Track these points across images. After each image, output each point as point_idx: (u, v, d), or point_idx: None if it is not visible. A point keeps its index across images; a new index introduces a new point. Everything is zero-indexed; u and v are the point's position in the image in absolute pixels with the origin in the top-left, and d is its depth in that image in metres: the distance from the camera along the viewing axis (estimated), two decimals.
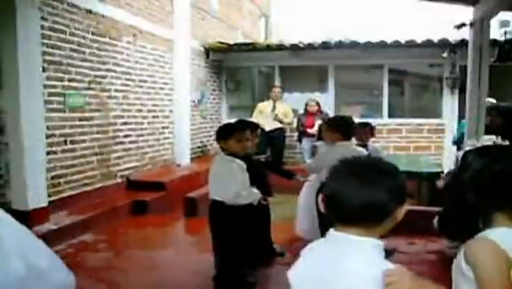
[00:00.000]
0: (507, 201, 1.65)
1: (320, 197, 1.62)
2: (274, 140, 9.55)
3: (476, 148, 1.92)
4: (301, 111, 9.94)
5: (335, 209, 1.54)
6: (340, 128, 4.70)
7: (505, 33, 8.19)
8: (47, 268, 1.86)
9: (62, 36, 6.25)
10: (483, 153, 1.79)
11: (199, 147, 10.39)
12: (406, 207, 1.52)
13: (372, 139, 6.00)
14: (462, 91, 9.92)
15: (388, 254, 1.60)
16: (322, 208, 1.60)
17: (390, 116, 10.62)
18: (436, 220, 5.05)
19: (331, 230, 1.57)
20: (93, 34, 6.85)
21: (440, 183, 5.57)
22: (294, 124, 9.96)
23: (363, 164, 1.59)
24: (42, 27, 5.84)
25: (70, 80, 6.41)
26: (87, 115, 6.77)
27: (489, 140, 3.26)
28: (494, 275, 1.52)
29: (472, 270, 1.57)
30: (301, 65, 10.87)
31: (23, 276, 1.71)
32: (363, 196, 1.45)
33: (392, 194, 1.48)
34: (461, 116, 9.95)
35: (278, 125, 9.66)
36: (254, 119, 8.59)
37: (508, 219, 1.66)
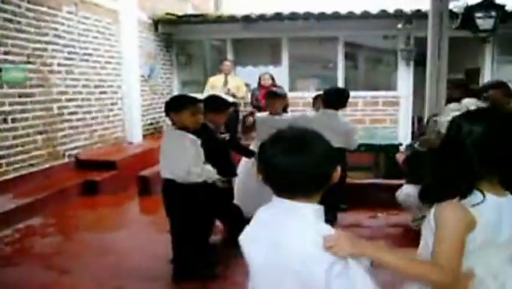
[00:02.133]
0: (503, 167, 1.73)
1: (254, 169, 1.72)
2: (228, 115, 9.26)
3: (465, 113, 1.91)
4: (254, 85, 9.70)
5: (272, 181, 1.59)
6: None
7: None
8: None
9: None
10: (477, 119, 1.78)
11: (151, 124, 10.00)
12: (339, 169, 1.59)
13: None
14: (417, 63, 9.95)
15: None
16: (259, 179, 1.63)
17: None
18: (398, 192, 4.93)
19: (274, 197, 1.62)
20: (29, 2, 6.35)
21: (400, 156, 5.48)
22: (248, 99, 9.71)
23: (295, 139, 1.59)
24: None
25: (6, 53, 5.94)
26: (27, 91, 6.32)
27: (472, 104, 3.12)
28: (450, 234, 1.67)
29: (436, 228, 1.71)
30: (253, 37, 10.61)
31: None
32: (303, 165, 1.51)
33: (328, 161, 1.56)
34: (416, 89, 10.00)
35: (231, 100, 9.37)
36: (206, 93, 8.30)
37: (490, 186, 1.74)
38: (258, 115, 5.59)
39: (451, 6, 7.34)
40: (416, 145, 5.05)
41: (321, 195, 1.61)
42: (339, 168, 1.59)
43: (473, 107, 2.16)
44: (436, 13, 6.25)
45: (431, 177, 1.87)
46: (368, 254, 1.62)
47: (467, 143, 1.72)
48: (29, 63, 6.34)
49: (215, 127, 4.48)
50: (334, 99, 5.42)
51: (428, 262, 1.76)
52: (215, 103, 4.45)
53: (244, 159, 5.33)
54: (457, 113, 1.94)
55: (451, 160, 1.77)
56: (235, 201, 4.98)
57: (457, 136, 1.77)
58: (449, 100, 6.68)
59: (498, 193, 1.75)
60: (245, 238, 1.74)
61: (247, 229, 1.75)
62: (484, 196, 1.70)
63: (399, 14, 9.55)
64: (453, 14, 7.42)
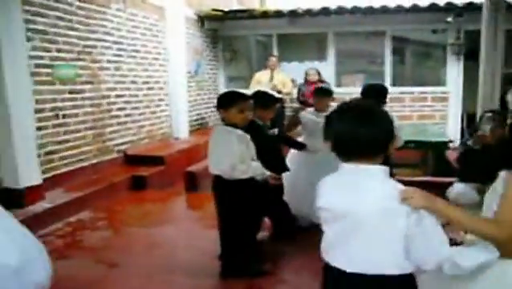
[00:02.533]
0: None
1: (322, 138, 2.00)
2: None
3: None
4: (300, 80, 9.63)
5: (342, 148, 1.86)
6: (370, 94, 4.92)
7: None
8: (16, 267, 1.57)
9: (46, 2, 5.86)
10: None
11: (197, 119, 10.07)
12: (396, 142, 1.97)
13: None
14: (467, 58, 9.66)
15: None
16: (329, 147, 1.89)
17: (393, 84, 10.28)
18: (449, 190, 4.79)
19: (343, 164, 1.88)
20: (80, 0, 6.46)
21: (451, 154, 5.32)
22: (294, 95, 9.64)
23: (365, 108, 1.90)
24: None
25: (58, 51, 6.06)
26: (78, 87, 6.44)
27: None
28: None
29: (502, 188, 1.92)
30: (299, 33, 10.53)
31: None
32: (370, 136, 1.78)
33: (387, 132, 1.83)
34: (466, 84, 9.72)
35: (277, 95, 9.32)
36: (252, 89, 8.27)
37: None
38: (303, 113, 5.50)
39: None
40: (469, 143, 4.91)
41: (381, 160, 1.85)
42: (394, 142, 1.88)
43: None
44: (491, 5, 6.02)
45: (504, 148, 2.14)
46: (439, 208, 1.78)
47: None
48: (79, 60, 6.46)
49: (263, 123, 4.47)
50: (373, 96, 5.25)
51: (491, 219, 1.95)
52: (263, 99, 4.41)
53: (291, 155, 5.30)
54: None
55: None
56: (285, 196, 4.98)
57: None
58: (502, 97, 6.46)
59: None
60: (320, 205, 1.96)
61: (319, 196, 1.97)
62: None
63: (449, 7, 9.28)
64: (509, 6, 7.14)
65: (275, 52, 10.54)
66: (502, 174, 1.95)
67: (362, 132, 1.77)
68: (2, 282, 1.50)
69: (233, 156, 3.71)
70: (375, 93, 5.18)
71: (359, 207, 1.79)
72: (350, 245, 1.85)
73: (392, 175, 1.94)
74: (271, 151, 4.35)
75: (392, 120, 1.90)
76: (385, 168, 1.85)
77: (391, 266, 1.80)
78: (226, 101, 3.86)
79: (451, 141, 6.88)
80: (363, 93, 5.30)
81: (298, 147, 5.17)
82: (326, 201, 1.94)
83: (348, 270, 1.85)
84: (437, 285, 2.15)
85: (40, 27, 5.76)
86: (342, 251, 1.88)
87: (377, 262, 1.80)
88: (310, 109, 5.48)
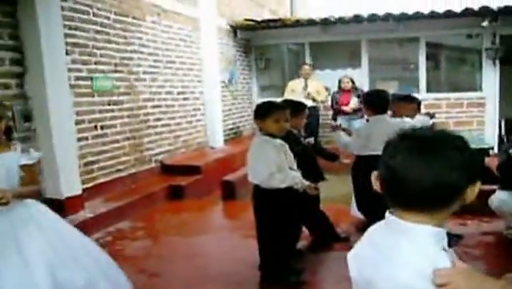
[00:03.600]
0: None
1: (373, 175, 1.38)
2: (308, 118, 9.22)
3: None
4: (333, 88, 9.61)
5: (394, 191, 1.32)
6: (371, 102, 4.73)
7: None
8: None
9: (85, 17, 6.01)
10: None
11: (232, 128, 10.13)
12: (479, 186, 1.28)
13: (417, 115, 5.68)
14: (503, 62, 9.49)
15: (455, 239, 1.46)
16: (377, 188, 1.37)
17: (428, 90, 10.18)
18: (492, 199, 4.69)
19: (388, 214, 1.37)
20: (116, 14, 6.59)
21: (492, 161, 5.20)
22: (328, 102, 9.63)
23: (427, 138, 1.31)
24: (63, 8, 5.58)
25: (96, 63, 6.20)
26: (115, 98, 6.55)
27: None
28: None
29: None
30: (332, 41, 10.51)
31: None
32: (429, 176, 1.22)
33: (463, 172, 1.23)
34: (503, 89, 9.54)
35: (312, 104, 9.33)
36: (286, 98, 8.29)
37: None
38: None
39: None
40: (510, 151, 4.81)
41: (449, 216, 1.32)
42: (478, 185, 1.29)
43: None
44: None
45: None
46: None
47: None
48: (116, 71, 6.58)
49: (297, 131, 4.49)
50: (372, 104, 4.80)
51: None
52: (291, 107, 4.40)
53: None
54: None
55: None
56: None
57: None
58: None
59: None
60: (352, 256, 1.52)
61: (357, 245, 1.52)
62: None
63: (484, 12, 9.14)
64: None
65: (308, 60, 10.55)
66: None
67: (418, 171, 1.24)
68: None
69: (271, 165, 3.73)
70: (373, 101, 4.84)
71: (379, 277, 1.35)
72: None
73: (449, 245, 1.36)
74: (308, 160, 4.36)
75: (474, 152, 1.33)
76: (438, 232, 1.30)
77: None
78: (262, 112, 3.89)
79: (492, 148, 6.75)
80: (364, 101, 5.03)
81: (332, 158, 5.15)
82: (350, 256, 1.53)
83: None
84: None
85: (79, 41, 5.89)
86: None
87: None
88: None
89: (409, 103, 5.50)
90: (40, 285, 2.82)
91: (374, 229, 1.47)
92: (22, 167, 3.07)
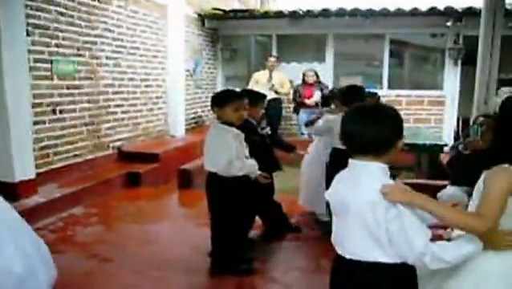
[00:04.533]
0: None
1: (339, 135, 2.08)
2: (271, 110, 9.28)
3: None
4: (298, 81, 9.66)
5: (351, 144, 2.03)
6: (347, 95, 4.73)
7: None
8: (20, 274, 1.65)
9: None
10: None
11: (194, 118, 10.10)
12: (403, 140, 2.00)
13: None
14: (464, 63, 9.70)
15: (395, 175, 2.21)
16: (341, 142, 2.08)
17: (390, 87, 10.34)
18: (441, 193, 4.83)
19: (350, 160, 2.06)
20: None
21: (444, 157, 5.36)
22: (291, 95, 9.68)
23: (370, 109, 2.13)
24: None
25: (57, 46, 6.08)
26: (76, 83, 6.46)
27: None
28: (494, 191, 1.96)
29: (484, 187, 2.02)
30: (299, 34, 10.59)
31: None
32: (372, 133, 1.93)
33: (393, 130, 1.96)
34: (463, 89, 9.75)
35: (275, 96, 9.39)
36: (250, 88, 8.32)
37: None
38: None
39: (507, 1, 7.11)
40: (460, 147, 4.95)
41: (390, 158, 2.00)
42: (403, 139, 1.99)
43: None
44: (489, 10, 6.06)
45: (492, 146, 2.36)
46: (416, 203, 1.89)
47: None
48: (79, 55, 6.48)
49: (255, 122, 4.52)
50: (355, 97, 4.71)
51: (471, 212, 2.07)
52: (250, 97, 4.42)
53: (309, 152, 5.37)
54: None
55: (504, 132, 2.18)
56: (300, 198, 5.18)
57: (508, 111, 2.23)
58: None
59: None
60: (329, 193, 2.16)
61: (333, 183, 2.16)
62: None
63: (449, 12, 9.34)
64: (507, 12, 7.14)
65: (274, 52, 10.58)
66: (485, 172, 2.08)
67: (365, 130, 1.94)
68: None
69: (230, 152, 3.76)
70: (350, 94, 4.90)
71: (353, 200, 1.97)
72: (348, 234, 2.03)
73: (392, 176, 2.03)
74: (264, 150, 4.40)
75: (401, 118, 2.02)
76: (383, 167, 1.99)
77: (382, 255, 1.94)
78: (221, 100, 3.91)
79: (445, 145, 6.91)
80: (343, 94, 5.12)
81: (288, 149, 5.19)
82: (328, 193, 2.16)
83: (347, 257, 2.04)
84: (431, 280, 2.21)
85: (41, 22, 5.78)
86: (342, 239, 2.07)
87: (370, 250, 1.95)
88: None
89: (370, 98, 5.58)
90: None
91: (342, 173, 2.14)
92: None
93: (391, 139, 1.95)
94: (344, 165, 2.12)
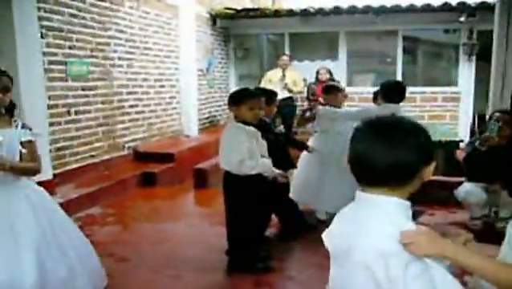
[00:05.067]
0: None
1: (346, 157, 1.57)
2: (284, 109, 9.29)
3: None
4: (311, 79, 9.63)
5: (360, 171, 1.52)
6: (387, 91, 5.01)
7: None
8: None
9: (60, 0, 5.93)
10: None
11: (208, 117, 10.13)
12: (433, 165, 1.49)
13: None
14: (479, 58, 9.61)
15: (417, 215, 1.48)
16: (348, 169, 1.56)
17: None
18: (458, 190, 4.80)
19: (358, 191, 1.56)
20: None
21: (460, 153, 5.32)
22: (305, 93, 9.67)
23: (387, 124, 1.54)
24: None
25: (71, 48, 6.14)
26: (90, 84, 6.51)
27: None
28: None
29: None
30: (311, 32, 10.55)
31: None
32: (389, 157, 1.42)
33: (418, 153, 1.45)
34: (478, 85, 9.66)
35: (288, 94, 9.39)
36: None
37: None
38: (320, 107, 5.51)
39: None
40: (476, 144, 4.92)
41: (411, 190, 1.51)
42: (433, 164, 1.49)
43: None
44: (504, 4, 6.00)
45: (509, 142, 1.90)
46: (448, 256, 1.48)
47: None
48: (92, 57, 6.53)
49: (269, 119, 4.54)
50: (394, 92, 5.11)
51: None
52: (263, 95, 4.41)
53: (303, 154, 5.36)
54: None
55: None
56: (293, 192, 5.07)
57: None
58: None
59: None
60: (328, 233, 1.70)
61: (331, 224, 1.69)
62: None
63: (462, 7, 9.26)
64: None
65: (287, 51, 10.57)
66: None
67: (377, 154, 1.44)
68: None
69: (242, 151, 3.77)
70: (396, 89, 5.10)
71: (357, 246, 1.48)
72: (349, 288, 1.56)
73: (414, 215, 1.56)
74: (279, 148, 4.40)
75: (430, 136, 1.53)
76: (402, 203, 1.50)
77: None
78: (237, 98, 3.93)
79: (461, 141, 6.86)
80: (383, 90, 5.17)
81: (301, 147, 5.21)
82: (326, 233, 1.70)
83: None
84: None
85: (54, 24, 5.83)
86: None
87: None
88: (327, 107, 5.43)
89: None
90: (27, 273, 2.84)
91: (346, 208, 1.65)
92: (23, 144, 3.05)
93: (414, 165, 1.45)
94: None
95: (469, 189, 4.85)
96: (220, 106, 10.40)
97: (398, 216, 1.47)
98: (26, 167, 3.07)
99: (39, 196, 3.18)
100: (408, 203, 1.51)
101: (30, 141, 3.10)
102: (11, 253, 2.86)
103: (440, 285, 1.41)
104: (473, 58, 9.80)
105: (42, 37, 5.57)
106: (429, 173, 1.49)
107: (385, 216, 1.46)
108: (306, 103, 9.70)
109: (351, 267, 1.51)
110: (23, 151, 3.05)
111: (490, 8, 7.01)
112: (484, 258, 1.51)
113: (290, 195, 5.09)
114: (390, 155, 1.42)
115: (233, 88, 10.20)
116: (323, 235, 1.70)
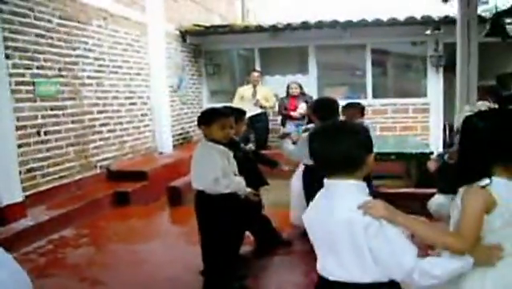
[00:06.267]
0: (508, 155, 1.98)
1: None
2: (257, 124, 9.35)
3: (476, 112, 2.25)
4: (283, 94, 9.69)
5: (321, 164, 2.02)
6: (318, 109, 4.70)
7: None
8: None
9: (26, 20, 5.86)
10: (485, 117, 2.09)
11: (181, 134, 10.08)
12: (373, 155, 1.98)
13: (361, 119, 5.83)
14: (447, 69, 9.80)
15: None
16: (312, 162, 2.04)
17: (374, 96, 10.44)
18: (431, 202, 4.83)
19: (325, 179, 2.01)
20: (60, 17, 6.47)
21: (431, 165, 5.38)
22: (277, 108, 9.71)
23: (335, 128, 2.08)
24: (2, 11, 5.47)
25: (38, 68, 6.06)
26: (59, 104, 6.42)
27: (482, 105, 3.96)
28: (471, 211, 1.92)
29: (461, 207, 1.97)
30: (281, 47, 10.64)
31: None
32: (336, 153, 1.91)
33: (358, 147, 1.93)
34: (447, 95, 9.84)
35: (260, 110, 9.44)
36: (236, 104, 8.31)
37: (504, 171, 2.00)
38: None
39: (480, 9, 7.20)
40: (445, 157, 4.98)
41: (363, 174, 1.97)
42: (372, 155, 1.97)
43: (483, 108, 2.81)
44: (463, 19, 6.15)
45: (458, 166, 2.22)
46: (399, 220, 1.86)
47: (476, 137, 2.03)
48: (61, 76, 6.45)
49: (239, 138, 4.53)
50: (326, 110, 4.68)
51: (451, 232, 2.05)
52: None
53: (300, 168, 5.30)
54: (470, 113, 2.32)
55: (466, 151, 2.12)
56: (293, 216, 5.13)
57: (468, 131, 2.12)
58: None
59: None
60: (305, 216, 2.10)
61: (308, 210, 2.12)
62: (490, 180, 1.96)
63: (427, 21, 9.46)
64: (481, 20, 7.23)
65: (258, 66, 10.64)
66: (461, 190, 2.04)
67: (332, 151, 1.92)
68: None
69: (216, 170, 3.73)
70: (322, 108, 4.78)
71: (327, 221, 1.93)
72: (328, 255, 1.98)
73: (370, 187, 2.02)
74: (249, 166, 4.38)
75: (368, 133, 2.03)
76: (358, 184, 1.96)
77: (365, 275, 1.88)
78: (207, 118, 3.90)
79: (432, 153, 6.93)
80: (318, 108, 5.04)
81: (271, 164, 5.15)
82: (304, 216, 2.11)
83: (331, 279, 1.97)
84: None
85: (20, 45, 5.75)
86: (324, 261, 2.02)
87: (352, 271, 1.90)
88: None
89: (353, 109, 5.67)
90: None
91: (318, 193, 2.08)
92: None
93: (358, 156, 1.92)
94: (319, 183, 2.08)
95: (441, 202, 4.88)
96: (193, 122, 10.34)
97: (357, 193, 1.93)
98: None
99: None
100: (363, 184, 1.98)
101: None
102: None
103: (392, 238, 1.83)
104: (441, 69, 10.04)
105: (7, 57, 5.48)
106: (372, 161, 1.97)
107: (346, 194, 1.92)
108: (279, 118, 9.76)
109: (326, 240, 1.97)
110: None
111: (453, 22, 7.16)
112: (425, 225, 1.98)
113: (292, 220, 5.13)
114: (340, 150, 1.90)
115: (206, 104, 10.26)
116: (303, 217, 2.11)
